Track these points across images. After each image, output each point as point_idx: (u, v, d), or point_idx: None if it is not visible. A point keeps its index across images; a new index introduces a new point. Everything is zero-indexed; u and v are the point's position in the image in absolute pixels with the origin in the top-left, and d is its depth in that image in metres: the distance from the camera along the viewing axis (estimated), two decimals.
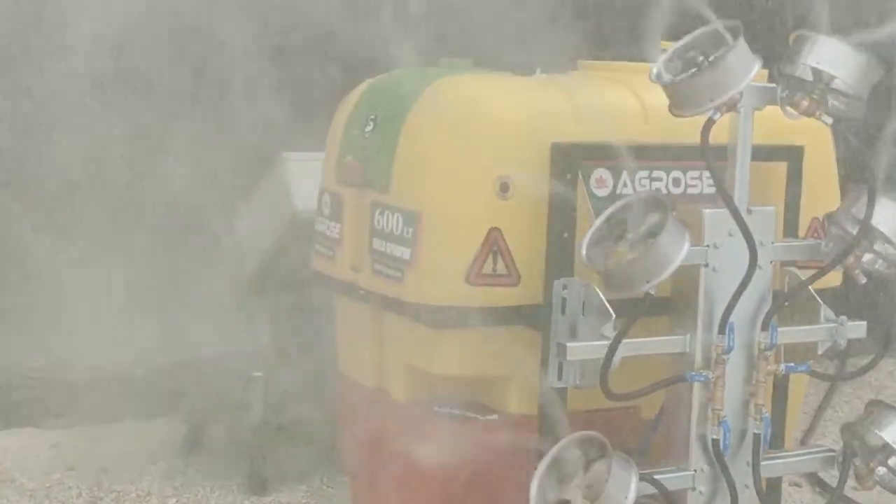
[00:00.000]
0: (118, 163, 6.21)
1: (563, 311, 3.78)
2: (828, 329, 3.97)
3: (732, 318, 3.72)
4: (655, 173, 4.01)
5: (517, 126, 3.82)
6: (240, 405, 5.48)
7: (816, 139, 4.20)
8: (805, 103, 3.69)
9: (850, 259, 3.83)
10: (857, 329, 4.02)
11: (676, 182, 4.04)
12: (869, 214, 3.75)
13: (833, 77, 3.67)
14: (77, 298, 5.93)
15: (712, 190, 3.99)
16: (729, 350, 3.72)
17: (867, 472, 3.96)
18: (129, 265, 6.12)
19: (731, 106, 3.60)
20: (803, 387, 4.46)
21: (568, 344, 3.64)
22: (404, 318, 3.92)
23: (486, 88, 3.95)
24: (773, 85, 3.74)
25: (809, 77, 3.68)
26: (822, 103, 3.70)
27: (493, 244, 3.79)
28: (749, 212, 3.78)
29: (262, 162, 5.64)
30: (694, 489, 3.81)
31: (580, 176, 3.86)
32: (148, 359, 6.39)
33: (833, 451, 4.00)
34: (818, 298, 4.00)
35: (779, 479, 4.22)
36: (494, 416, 3.96)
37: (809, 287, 3.96)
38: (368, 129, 4.08)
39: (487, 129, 3.81)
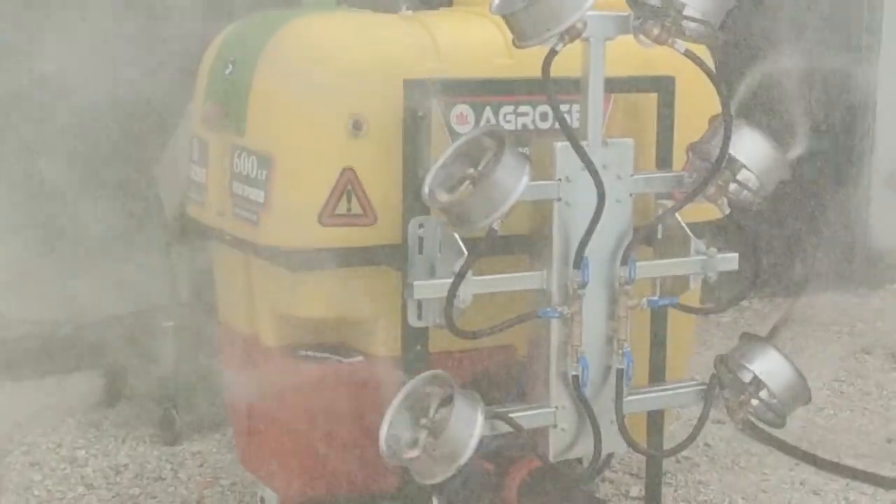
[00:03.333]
0: (38, 111, 6.20)
1: (421, 251, 3.73)
2: (695, 262, 3.91)
3: (589, 253, 3.67)
4: (522, 108, 3.94)
5: (368, 63, 3.76)
6: (153, 357, 5.47)
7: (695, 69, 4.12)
8: (656, 31, 3.62)
9: (712, 189, 3.77)
10: (728, 262, 3.96)
11: (544, 117, 3.97)
12: (726, 142, 3.68)
13: (684, 4, 3.60)
14: None
15: (576, 123, 3.95)
16: (584, 285, 3.66)
17: (737, 404, 3.90)
18: (45, 219, 6.11)
19: (575, 35, 3.53)
20: (691, 321, 4.40)
21: (415, 283, 3.59)
22: (266, 262, 3.88)
23: (338, 27, 3.88)
24: (625, 13, 3.67)
25: (660, 4, 3.60)
26: (674, 31, 3.63)
27: (347, 184, 3.74)
28: (605, 144, 3.72)
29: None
30: (556, 426, 3.76)
31: (440, 112, 3.81)
32: (72, 314, 6.39)
33: (704, 385, 3.94)
34: (687, 231, 3.94)
35: (661, 415, 4.17)
36: (359, 358, 3.92)
37: (679, 220, 3.92)
38: (227, 71, 4.03)
39: (337, 67, 3.74)
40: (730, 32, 3.71)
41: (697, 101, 4.14)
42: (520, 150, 3.68)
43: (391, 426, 3.51)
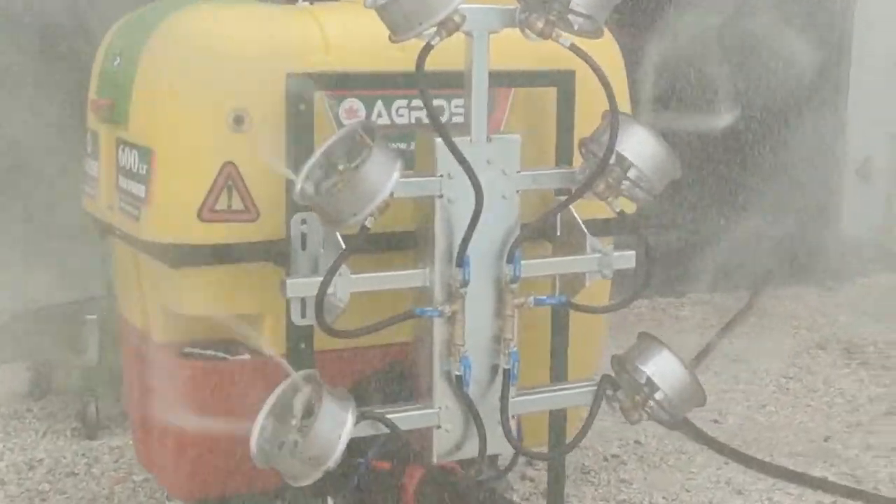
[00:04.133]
0: None
1: (304, 247, 3.65)
2: (587, 260, 3.83)
3: (474, 251, 3.58)
4: (416, 102, 3.85)
5: (251, 56, 3.67)
6: (76, 349, 5.41)
7: (602, 62, 4.03)
8: (540, 24, 3.53)
9: (601, 186, 3.68)
10: (624, 260, 3.87)
11: (439, 111, 3.88)
12: (612, 139, 3.59)
13: None
14: None
15: None
16: (465, 284, 3.58)
17: (631, 405, 3.81)
18: None
19: (453, 29, 3.44)
20: (600, 320, 4.30)
21: (287, 280, 3.51)
22: (150, 258, 3.81)
23: (223, 18, 3.79)
24: (511, 6, 3.58)
25: None
26: (560, 24, 3.53)
27: (228, 179, 3.66)
28: (489, 140, 3.64)
29: None
30: (439, 427, 3.68)
31: (327, 107, 3.73)
32: (13, 304, 6.33)
33: (594, 385, 3.85)
34: (583, 228, 3.85)
35: (562, 414, 4.08)
36: (245, 357, 3.84)
37: (575, 216, 3.84)
38: (116, 63, 3.96)
39: (219, 60, 3.66)
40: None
41: (600, 96, 4.06)
42: (394, 145, 3.61)
43: (262, 428, 3.43)
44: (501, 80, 3.86)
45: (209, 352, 3.85)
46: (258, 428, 3.44)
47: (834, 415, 5.87)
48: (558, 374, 4.05)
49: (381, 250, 3.66)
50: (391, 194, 3.40)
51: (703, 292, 7.81)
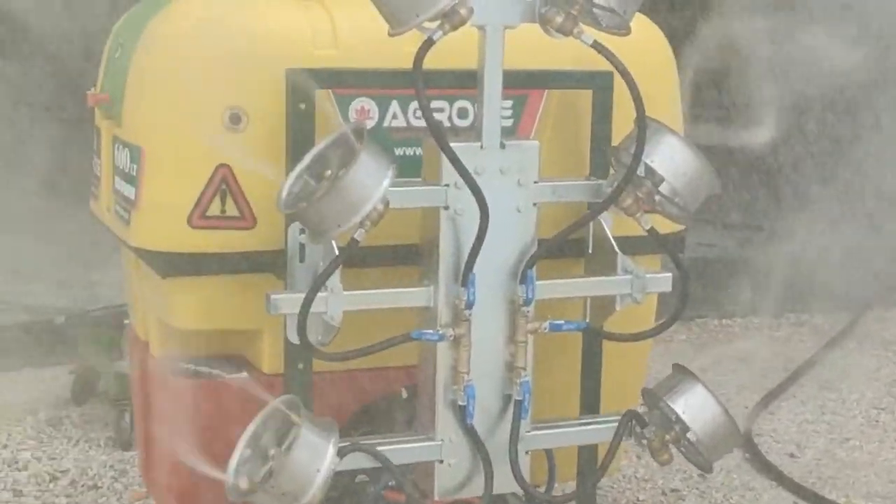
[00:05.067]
0: None
1: (303, 259, 3.35)
2: (615, 282, 3.46)
3: (483, 269, 3.25)
4: (437, 103, 3.52)
5: (250, 50, 3.37)
6: (113, 355, 5.21)
7: (647, 64, 3.70)
8: (559, 19, 3.19)
9: (628, 201, 3.32)
10: (659, 282, 3.50)
11: (463, 113, 3.56)
12: (639, 150, 3.23)
13: None
14: None
15: (508, 122, 3.55)
16: (470, 305, 3.25)
17: (660, 444, 3.44)
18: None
19: (459, 22, 3.11)
20: (643, 348, 3.93)
21: (272, 296, 3.21)
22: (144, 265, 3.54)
23: (223, 8, 3.50)
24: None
25: None
26: (580, 20, 3.19)
27: (222, 182, 3.37)
28: (502, 146, 3.30)
29: None
30: (441, 461, 3.35)
31: (335, 106, 3.42)
32: (71, 304, 6.21)
33: (617, 421, 3.48)
34: (615, 247, 3.49)
35: (593, 450, 3.72)
36: (243, 375, 3.56)
37: (607, 234, 3.49)
38: (117, 55, 3.70)
39: (214, 54, 3.35)
40: None
41: (653, 100, 3.70)
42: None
43: (240, 459, 3.14)
44: (529, 80, 3.53)
45: (203, 369, 3.57)
46: (235, 459, 3.15)
47: None
48: (589, 406, 3.69)
49: (384, 265, 3.35)
50: (386, 204, 3.09)
51: (801, 312, 7.36)
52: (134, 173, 3.45)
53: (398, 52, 3.42)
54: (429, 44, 3.09)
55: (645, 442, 3.47)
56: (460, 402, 3.29)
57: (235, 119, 3.36)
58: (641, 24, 3.84)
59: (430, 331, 3.26)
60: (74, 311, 6.06)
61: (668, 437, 3.45)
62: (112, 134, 3.65)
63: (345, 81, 3.42)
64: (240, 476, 3.11)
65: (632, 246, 3.55)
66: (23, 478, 4.75)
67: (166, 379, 3.59)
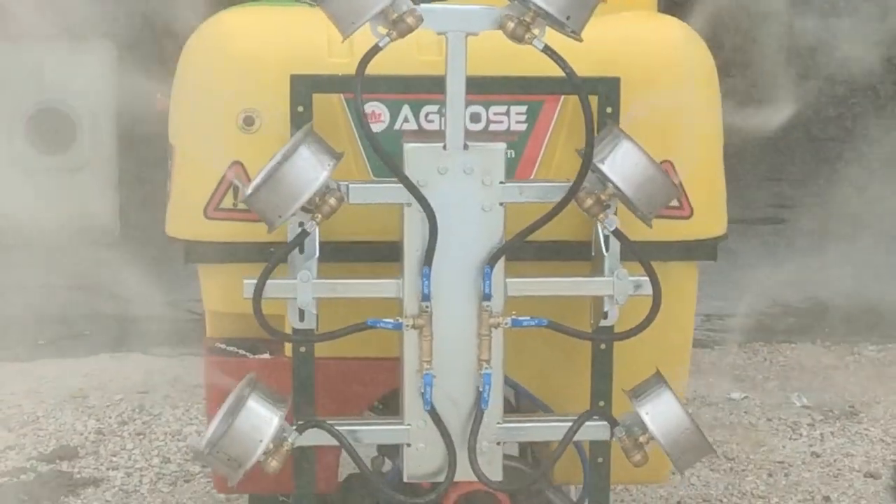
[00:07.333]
0: None
1: (302, 250, 3.62)
2: (589, 283, 3.54)
3: (448, 266, 3.44)
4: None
5: (263, 58, 3.69)
6: None
7: (688, 72, 3.77)
8: (511, 25, 3.32)
9: (589, 202, 3.41)
10: (638, 286, 3.55)
11: (476, 117, 3.73)
12: (588, 154, 3.33)
13: None
14: None
15: (522, 126, 3.72)
16: (426, 298, 3.43)
17: (632, 444, 3.49)
18: None
19: (406, 31, 3.30)
20: (681, 345, 3.94)
21: (245, 280, 3.50)
22: None
23: (249, 20, 3.83)
24: (494, 7, 3.38)
25: None
26: (532, 25, 3.31)
27: (235, 178, 3.71)
28: (466, 147, 3.46)
29: None
30: (409, 445, 3.54)
31: (344, 110, 3.69)
32: None
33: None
34: (602, 247, 3.57)
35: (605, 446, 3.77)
36: (266, 356, 3.87)
37: (599, 234, 3.57)
38: None
39: (231, 62, 3.71)
40: None
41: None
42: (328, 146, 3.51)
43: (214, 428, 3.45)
44: (532, 87, 3.66)
45: (232, 349, 3.90)
46: (210, 427, 3.46)
47: None
48: (598, 405, 3.76)
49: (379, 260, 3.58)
50: (339, 199, 3.34)
51: None
52: (169, 169, 3.84)
53: (411, 60, 3.65)
54: (374, 50, 3.30)
55: (616, 441, 3.53)
56: (421, 390, 3.47)
57: (249, 121, 3.69)
58: (683, 33, 3.90)
59: (387, 319, 3.46)
60: None
61: (640, 438, 3.49)
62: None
63: (337, 87, 3.65)
64: (202, 441, 3.41)
65: (648, 252, 3.60)
66: (174, 448, 5.23)
67: (205, 358, 3.94)
